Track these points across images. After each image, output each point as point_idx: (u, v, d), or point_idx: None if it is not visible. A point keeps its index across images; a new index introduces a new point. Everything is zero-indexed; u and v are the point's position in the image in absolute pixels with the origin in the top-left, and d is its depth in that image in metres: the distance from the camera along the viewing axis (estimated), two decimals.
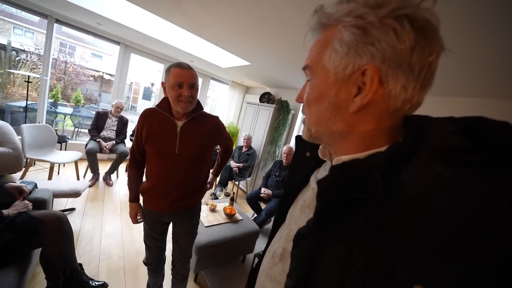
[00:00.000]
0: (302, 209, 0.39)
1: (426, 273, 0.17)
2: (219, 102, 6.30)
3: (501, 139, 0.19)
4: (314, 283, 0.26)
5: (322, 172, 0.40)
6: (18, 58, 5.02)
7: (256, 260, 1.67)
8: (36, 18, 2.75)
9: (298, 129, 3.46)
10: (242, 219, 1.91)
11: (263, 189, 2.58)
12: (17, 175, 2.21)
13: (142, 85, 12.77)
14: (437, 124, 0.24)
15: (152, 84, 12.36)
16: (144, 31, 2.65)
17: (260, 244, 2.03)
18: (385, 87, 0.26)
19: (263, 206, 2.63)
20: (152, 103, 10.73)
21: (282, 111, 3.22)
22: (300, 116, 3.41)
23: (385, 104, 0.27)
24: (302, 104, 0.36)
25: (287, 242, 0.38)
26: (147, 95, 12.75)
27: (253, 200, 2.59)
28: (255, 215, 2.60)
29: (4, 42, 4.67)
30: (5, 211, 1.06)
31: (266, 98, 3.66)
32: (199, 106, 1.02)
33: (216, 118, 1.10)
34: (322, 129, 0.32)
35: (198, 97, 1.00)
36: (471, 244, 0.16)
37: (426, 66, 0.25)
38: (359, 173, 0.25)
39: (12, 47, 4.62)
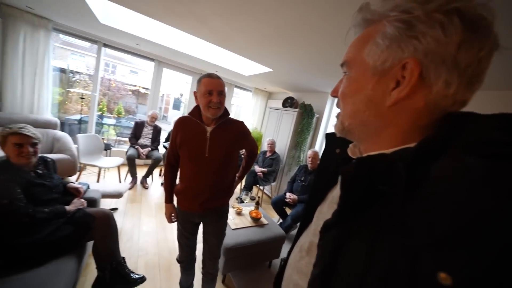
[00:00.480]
0: (330, 205, 0.39)
1: (450, 259, 0.16)
2: (243, 109, 6.48)
3: None
4: (339, 272, 0.27)
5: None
6: (74, 78, 5.90)
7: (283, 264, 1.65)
8: (87, 44, 3.23)
9: (322, 133, 3.37)
10: (267, 224, 1.92)
11: (288, 194, 2.56)
12: (73, 178, 2.58)
13: (172, 96, 13.79)
14: (477, 119, 0.23)
15: (181, 95, 13.25)
16: (174, 47, 2.91)
17: (286, 250, 2.00)
18: (425, 81, 0.25)
19: (288, 211, 2.60)
20: (181, 112, 11.48)
21: (306, 115, 3.18)
22: (325, 119, 3.32)
23: (424, 100, 0.26)
24: (336, 99, 0.37)
25: (315, 236, 0.39)
26: (176, 105, 13.70)
27: (278, 205, 2.58)
28: (281, 221, 2.57)
29: (64, 66, 5.55)
30: (66, 207, 1.25)
31: (289, 102, 3.66)
32: (226, 112, 1.09)
33: (242, 123, 1.16)
34: (356, 122, 0.32)
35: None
36: (496, 232, 0.16)
37: (475, 63, 0.24)
38: (384, 165, 0.25)
39: (70, 70, 5.46)
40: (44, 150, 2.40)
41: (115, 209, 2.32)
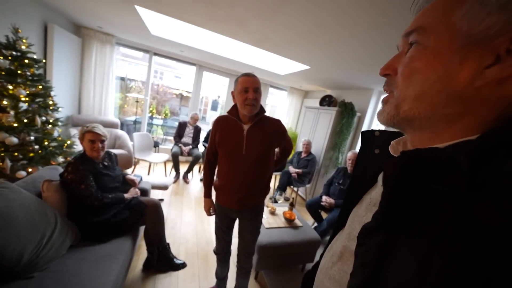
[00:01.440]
0: (368, 207, 0.35)
1: None
2: (278, 108, 6.45)
3: None
4: (384, 284, 0.23)
5: None
6: (130, 85, 6.84)
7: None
8: (140, 54, 3.72)
9: None
10: (302, 226, 1.86)
11: (324, 197, 2.43)
12: (128, 171, 2.98)
13: (210, 98, 14.69)
14: None
15: (219, 97, 13.99)
16: (213, 51, 3.09)
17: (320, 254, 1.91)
18: None
19: (323, 215, 2.47)
20: (218, 113, 12.12)
21: (346, 114, 2.97)
22: (368, 118, 3.05)
23: None
24: (386, 80, 0.31)
25: (349, 241, 0.36)
26: (214, 106, 14.52)
27: (313, 208, 2.48)
28: (316, 224, 2.47)
29: (123, 74, 6.50)
30: (125, 195, 1.46)
31: (326, 101, 3.48)
32: (262, 110, 1.10)
33: (278, 121, 1.15)
34: (423, 106, 0.25)
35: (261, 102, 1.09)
36: None
37: None
38: (438, 159, 0.21)
39: (128, 77, 6.37)
40: (108, 146, 2.85)
41: (162, 199, 2.59)
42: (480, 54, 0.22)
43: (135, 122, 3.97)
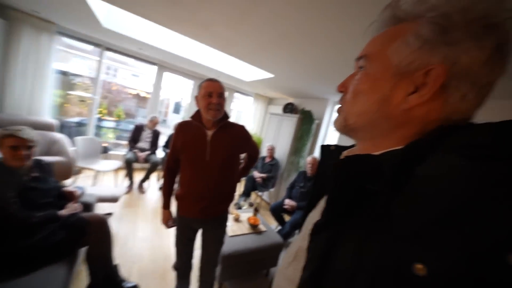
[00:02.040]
0: (321, 211, 0.39)
1: (425, 250, 0.17)
2: (243, 114, 6.50)
3: None
4: (328, 274, 0.26)
5: None
6: (74, 81, 5.92)
7: None
8: (90, 47, 3.28)
9: (322, 139, 3.37)
10: (266, 230, 1.88)
11: (287, 201, 2.53)
12: (69, 181, 2.54)
13: (173, 100, 13.85)
14: (463, 126, 0.24)
15: (182, 99, 13.33)
16: (176, 52, 2.94)
17: None
18: (444, 91, 0.25)
19: (286, 218, 2.56)
20: (181, 116, 11.49)
21: (306, 121, 3.19)
22: (325, 126, 3.33)
23: (436, 110, 0.26)
24: (341, 95, 0.36)
25: (303, 241, 0.38)
26: (176, 109, 13.75)
27: (277, 212, 2.54)
28: (279, 227, 2.53)
29: (66, 68, 5.59)
30: (60, 212, 1.22)
31: (289, 108, 3.68)
32: (226, 115, 1.09)
33: (242, 126, 1.15)
34: (363, 121, 0.31)
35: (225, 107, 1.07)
36: (465, 221, 0.16)
37: (491, 84, 0.24)
38: (371, 164, 0.25)
39: (71, 72, 5.49)
40: (41, 152, 2.37)
41: (111, 213, 2.28)
42: (405, 83, 0.27)
43: (79, 124, 3.43)
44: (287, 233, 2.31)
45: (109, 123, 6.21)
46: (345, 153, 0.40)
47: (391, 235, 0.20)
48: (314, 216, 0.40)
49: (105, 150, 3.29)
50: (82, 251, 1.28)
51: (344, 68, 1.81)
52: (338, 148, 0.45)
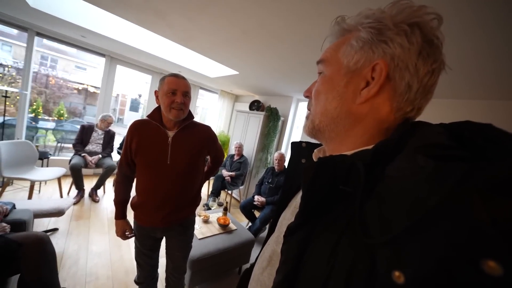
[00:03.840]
0: (294, 211, 0.38)
1: (402, 257, 0.17)
2: (209, 111, 6.29)
3: (483, 139, 0.21)
4: (302, 277, 0.26)
5: None
6: None
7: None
8: (14, 31, 2.68)
9: (288, 135, 3.51)
10: (236, 229, 1.87)
11: (256, 197, 2.56)
12: None
13: (129, 97, 12.53)
14: (425, 126, 0.26)
15: (140, 96, 12.17)
16: (130, 43, 2.64)
17: (255, 253, 1.98)
18: (391, 83, 0.28)
19: (257, 214, 2.60)
20: (139, 115, 10.52)
21: (272, 118, 3.26)
22: (290, 122, 3.46)
23: (389, 102, 0.29)
24: (308, 101, 0.39)
25: (277, 245, 0.38)
26: (134, 107, 12.51)
27: (247, 209, 2.56)
28: (250, 224, 2.56)
29: None
30: None
31: (255, 106, 3.70)
32: (190, 115, 1.02)
33: (208, 127, 1.10)
34: (327, 119, 0.33)
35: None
36: (439, 226, 0.16)
37: (430, 73, 0.28)
38: (344, 165, 0.26)
39: None
40: None
41: (55, 229, 1.95)
42: (357, 80, 0.31)
43: (3, 125, 2.81)
44: (257, 229, 2.35)
45: (47, 123, 5.25)
46: (316, 152, 0.40)
47: (367, 240, 0.20)
48: (287, 216, 0.40)
49: (43, 156, 2.78)
50: (14, 279, 1.06)
51: (307, 67, 1.90)
52: (308, 145, 0.45)
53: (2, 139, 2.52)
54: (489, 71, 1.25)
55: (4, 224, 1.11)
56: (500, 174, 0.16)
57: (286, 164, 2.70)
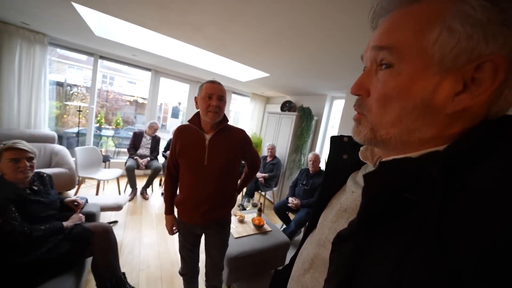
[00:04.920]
0: (339, 213, 0.36)
1: (494, 279, 0.14)
2: (241, 115, 6.49)
3: None
4: None
5: (362, 174, 0.36)
6: (71, 91, 5.93)
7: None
8: (84, 57, 3.28)
9: (322, 135, 3.36)
10: (271, 230, 1.88)
11: (290, 199, 2.52)
12: (71, 192, 2.54)
13: (170, 105, 13.86)
14: None
15: (179, 103, 13.32)
16: (170, 56, 2.93)
17: (291, 256, 1.95)
18: (500, 85, 0.20)
19: (291, 216, 2.55)
20: (179, 121, 11.49)
21: (305, 118, 3.18)
22: (324, 122, 3.31)
23: (488, 107, 0.22)
24: (357, 98, 0.30)
25: (319, 248, 0.36)
26: (175, 114, 13.76)
27: (281, 211, 2.54)
28: (284, 226, 2.53)
29: (61, 79, 5.60)
30: (64, 223, 1.22)
31: (287, 106, 3.66)
32: (225, 118, 1.08)
33: (242, 131, 1.14)
34: (399, 131, 0.25)
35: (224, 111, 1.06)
36: None
37: None
38: (413, 171, 0.22)
39: (67, 83, 5.50)
40: (42, 164, 2.37)
41: (115, 222, 2.28)
42: (451, 81, 0.22)
43: (78, 134, 3.43)
44: (292, 232, 2.30)
45: (108, 131, 6.21)
46: (363, 150, 0.36)
47: (452, 261, 0.17)
48: (330, 218, 0.37)
49: (106, 159, 3.29)
50: (89, 261, 1.28)
51: (341, 62, 1.80)
52: (351, 140, 0.40)
53: (78, 146, 3.07)
54: None
55: (81, 215, 1.36)
56: None
57: (321, 165, 2.59)
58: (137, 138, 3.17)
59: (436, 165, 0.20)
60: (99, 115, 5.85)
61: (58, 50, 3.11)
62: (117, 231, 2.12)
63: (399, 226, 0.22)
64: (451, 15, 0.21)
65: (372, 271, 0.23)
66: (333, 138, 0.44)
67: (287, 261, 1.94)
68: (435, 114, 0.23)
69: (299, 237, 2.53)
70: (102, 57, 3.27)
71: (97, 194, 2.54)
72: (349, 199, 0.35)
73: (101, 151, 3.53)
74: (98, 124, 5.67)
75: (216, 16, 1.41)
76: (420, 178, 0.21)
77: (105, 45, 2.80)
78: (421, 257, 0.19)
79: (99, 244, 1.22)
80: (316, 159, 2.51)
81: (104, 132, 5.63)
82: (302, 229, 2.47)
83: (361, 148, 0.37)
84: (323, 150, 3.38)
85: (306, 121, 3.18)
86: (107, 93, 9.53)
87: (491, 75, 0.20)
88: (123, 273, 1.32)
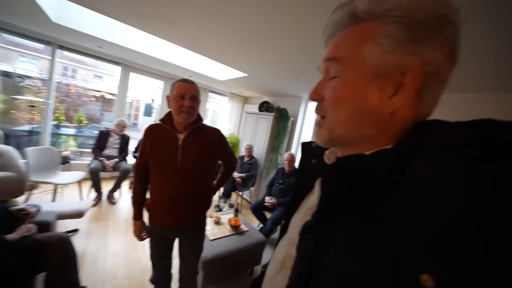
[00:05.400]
0: (307, 212, 0.38)
1: (433, 261, 0.16)
2: (219, 114, 6.39)
3: (509, 137, 0.19)
4: (318, 275, 0.26)
5: None
6: (22, 84, 5.18)
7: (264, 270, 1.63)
8: (40, 45, 2.90)
9: (298, 135, 3.47)
10: (247, 230, 1.88)
11: (267, 198, 2.55)
12: (21, 199, 2.23)
13: (143, 102, 13.03)
14: (445, 124, 0.24)
15: (153, 101, 12.61)
16: (143, 51, 2.75)
17: (267, 255, 1.98)
18: (420, 90, 0.25)
19: (268, 215, 2.59)
20: (153, 119, 10.88)
21: (281, 118, 3.25)
22: (300, 123, 3.43)
23: (414, 108, 0.26)
24: (316, 104, 0.33)
25: (290, 247, 0.37)
26: (147, 112, 12.98)
27: (258, 210, 2.56)
28: (261, 225, 2.55)
29: (9, 69, 4.85)
30: (9, 236, 1.06)
31: (265, 107, 3.71)
32: (199, 118, 1.05)
33: (217, 130, 1.12)
34: (351, 130, 0.30)
35: (199, 110, 1.03)
36: (476, 231, 0.15)
37: (450, 75, 0.25)
38: (364, 165, 0.25)
39: (17, 74, 4.79)
40: None
41: (76, 230, 2.06)
42: (385, 86, 0.27)
43: (31, 132, 3.03)
44: (269, 230, 2.34)
45: (69, 129, 5.59)
46: (328, 154, 0.39)
47: (393, 241, 0.19)
48: (298, 217, 0.39)
49: (65, 160, 2.95)
50: (41, 277, 1.13)
51: (317, 65, 1.88)
52: (319, 145, 0.43)
53: (29, 146, 2.71)
54: (506, 63, 1.17)
55: (31, 225, 1.19)
56: None
57: (296, 164, 2.67)
58: (103, 137, 2.91)
59: (383, 160, 0.24)
60: (57, 112, 5.23)
61: (4, 34, 2.70)
62: (77, 240, 1.92)
63: (354, 216, 0.25)
64: (380, 33, 0.26)
65: (330, 258, 0.25)
66: (303, 144, 0.47)
67: (263, 260, 1.97)
68: (374, 113, 0.28)
69: (276, 235, 2.58)
70: (62, 47, 2.92)
71: (53, 200, 2.26)
72: (315, 199, 0.37)
73: (59, 151, 3.17)
74: (56, 122, 5.07)
75: (192, 13, 1.36)
76: (370, 172, 0.24)
77: (65, 33, 2.51)
78: (368, 243, 0.21)
79: (53, 257, 1.09)
80: (292, 158, 2.58)
81: (64, 131, 5.05)
82: (278, 227, 2.52)
83: (326, 152, 0.39)
84: (298, 150, 3.50)
85: (282, 122, 3.25)
86: (68, 87, 8.58)
87: (412, 80, 0.25)
88: (84, 287, 1.20)
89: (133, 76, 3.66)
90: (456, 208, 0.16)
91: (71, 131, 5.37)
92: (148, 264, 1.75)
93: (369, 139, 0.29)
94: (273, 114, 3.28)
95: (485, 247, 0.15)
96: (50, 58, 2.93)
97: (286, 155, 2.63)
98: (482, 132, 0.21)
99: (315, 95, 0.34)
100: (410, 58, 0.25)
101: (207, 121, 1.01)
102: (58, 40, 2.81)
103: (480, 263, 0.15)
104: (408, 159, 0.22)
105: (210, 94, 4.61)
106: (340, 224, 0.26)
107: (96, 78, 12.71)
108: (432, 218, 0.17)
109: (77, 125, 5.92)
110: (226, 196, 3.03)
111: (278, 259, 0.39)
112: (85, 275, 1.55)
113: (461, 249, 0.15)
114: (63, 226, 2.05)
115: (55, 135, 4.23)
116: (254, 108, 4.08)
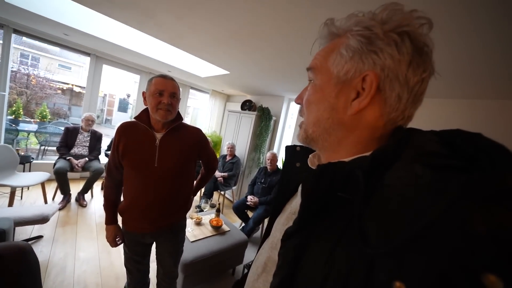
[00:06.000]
0: (289, 216, 0.38)
1: (404, 268, 0.17)
2: (200, 111, 6.21)
3: (474, 148, 0.21)
4: (298, 281, 0.26)
5: None
6: None
7: (246, 271, 1.63)
8: None
9: (280, 135, 3.52)
10: (229, 230, 1.86)
11: (249, 197, 2.56)
12: None
13: (117, 97, 12.18)
14: (419, 134, 0.26)
15: (128, 96, 11.87)
16: (116, 42, 2.56)
17: (249, 254, 1.99)
18: (382, 94, 0.28)
19: (250, 214, 2.60)
20: (128, 115, 10.25)
21: (264, 117, 3.26)
22: (282, 122, 3.48)
23: (380, 112, 0.28)
24: (299, 107, 0.38)
25: (272, 250, 0.38)
26: (123, 107, 12.19)
27: (240, 209, 2.55)
28: (243, 225, 2.55)
29: None
30: None
31: (247, 105, 3.69)
32: (179, 116, 1.00)
33: (198, 130, 1.08)
34: (320, 129, 0.33)
35: (178, 108, 0.98)
36: (441, 239, 0.16)
37: (419, 82, 0.27)
38: (343, 173, 0.26)
39: None
40: None
41: (39, 237, 1.86)
42: (347, 90, 0.30)
43: None
44: (251, 229, 2.35)
45: (29, 125, 5.02)
46: (311, 158, 0.40)
47: (366, 249, 0.20)
48: (282, 222, 0.40)
49: (25, 160, 2.65)
50: None
51: (297, 67, 1.91)
52: (303, 149, 0.45)
53: None
54: (481, 70, 1.26)
55: None
56: (496, 186, 0.16)
57: (278, 164, 2.71)
58: (70, 134, 2.66)
59: (361, 167, 0.25)
60: (14, 105, 4.65)
61: None
62: (41, 248, 1.74)
63: (334, 221, 0.26)
64: (342, 45, 0.30)
65: (310, 264, 0.26)
66: (287, 148, 0.48)
67: (245, 260, 1.97)
68: (340, 115, 0.31)
69: (257, 234, 2.60)
70: (18, 31, 2.59)
71: (10, 205, 2.02)
72: (298, 202, 0.38)
73: (17, 150, 2.83)
74: (13, 116, 4.51)
75: (170, 2, 1.29)
76: (348, 179, 0.25)
77: (22, 16, 2.23)
78: (345, 249, 0.22)
79: (8, 270, 0.97)
80: (274, 158, 2.61)
81: (22, 126, 4.52)
82: (260, 226, 2.54)
83: (310, 156, 0.40)
84: (280, 149, 3.55)
85: (265, 121, 3.27)
86: (28, 78, 7.67)
87: (370, 84, 0.28)
88: None
89: (106, 69, 3.39)
90: (419, 216, 0.18)
91: (32, 127, 4.82)
92: (123, 269, 1.66)
93: (337, 139, 0.32)
94: (255, 113, 3.28)
95: (445, 255, 0.16)
96: (1, 42, 2.58)
97: (268, 154, 2.65)
98: (451, 142, 0.23)
99: (298, 99, 0.38)
100: (367, 65, 0.28)
101: (187, 118, 0.95)
102: (12, 23, 2.49)
103: (445, 271, 0.15)
104: (384, 167, 0.24)
105: (191, 90, 4.46)
106: (321, 230, 0.27)
107: (63, 69, 11.54)
108: (399, 225, 0.19)
109: (39, 120, 5.33)
110: (208, 196, 2.97)
111: (260, 263, 0.40)
112: (50, 286, 1.42)
113: (427, 257, 0.16)
114: (23, 233, 1.85)
115: (12, 132, 3.76)
116: (237, 106, 4.04)
